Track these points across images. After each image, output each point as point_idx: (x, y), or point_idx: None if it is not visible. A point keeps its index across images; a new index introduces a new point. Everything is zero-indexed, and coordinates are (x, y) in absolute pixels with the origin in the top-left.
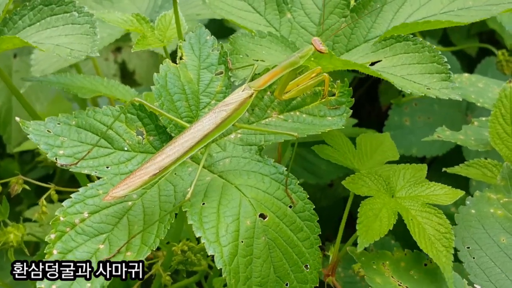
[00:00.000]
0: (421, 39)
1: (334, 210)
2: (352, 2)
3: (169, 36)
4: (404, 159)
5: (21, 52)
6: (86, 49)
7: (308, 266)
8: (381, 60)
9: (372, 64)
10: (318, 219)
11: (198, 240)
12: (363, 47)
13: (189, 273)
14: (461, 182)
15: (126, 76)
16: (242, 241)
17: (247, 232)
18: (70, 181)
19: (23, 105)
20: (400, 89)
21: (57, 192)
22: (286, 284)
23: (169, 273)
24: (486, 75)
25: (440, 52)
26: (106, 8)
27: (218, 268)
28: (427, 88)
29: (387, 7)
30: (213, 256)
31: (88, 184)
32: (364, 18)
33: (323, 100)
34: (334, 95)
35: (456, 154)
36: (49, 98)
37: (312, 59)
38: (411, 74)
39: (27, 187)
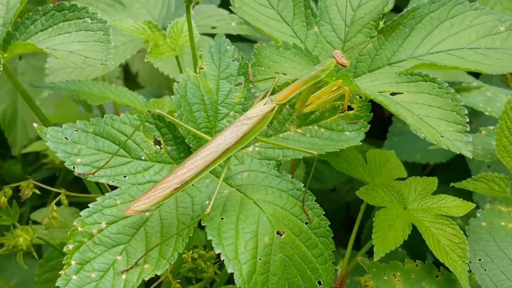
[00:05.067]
0: (447, 84)
1: (337, 215)
2: (381, 24)
3: (181, 45)
4: (407, 165)
5: (27, 54)
6: (101, 57)
7: (321, 283)
8: (402, 93)
9: (393, 94)
10: (332, 235)
11: (205, 247)
12: (386, 70)
13: (196, 280)
14: (464, 190)
15: (129, 78)
16: (260, 259)
17: (265, 249)
18: (73, 183)
19: (32, 108)
20: (414, 131)
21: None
22: None
23: (179, 280)
24: (492, 82)
25: (462, 103)
26: (119, 12)
27: (238, 286)
28: (441, 136)
29: (415, 33)
30: (221, 263)
31: (105, 194)
32: (390, 40)
33: (342, 114)
34: (352, 109)
35: (460, 161)
36: (55, 101)
37: (334, 78)
38: (429, 116)
39: (37, 191)
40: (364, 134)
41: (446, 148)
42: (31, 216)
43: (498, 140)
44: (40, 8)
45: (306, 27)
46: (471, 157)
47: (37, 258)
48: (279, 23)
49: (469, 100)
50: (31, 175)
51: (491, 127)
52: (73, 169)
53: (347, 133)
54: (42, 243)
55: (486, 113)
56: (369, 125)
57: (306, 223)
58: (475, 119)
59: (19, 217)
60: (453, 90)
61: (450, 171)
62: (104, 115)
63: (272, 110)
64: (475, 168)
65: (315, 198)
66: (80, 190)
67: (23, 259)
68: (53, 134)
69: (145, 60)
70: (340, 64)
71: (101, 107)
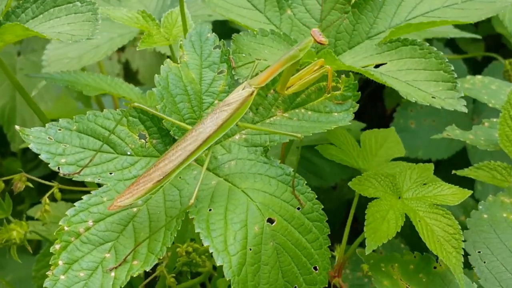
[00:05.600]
0: (428, 44)
1: (338, 213)
2: None
3: (175, 35)
4: (410, 162)
5: (25, 50)
6: (87, 34)
7: (317, 268)
8: (386, 63)
9: (377, 66)
10: (327, 219)
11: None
12: (366, 44)
13: (193, 274)
14: (467, 187)
15: (130, 75)
16: (250, 249)
17: (255, 239)
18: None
19: (29, 103)
20: (404, 97)
21: (60, 190)
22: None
23: (174, 274)
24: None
25: (447, 59)
26: (114, 6)
27: (227, 279)
28: (432, 97)
29: (389, 1)
30: None
31: (91, 192)
32: (366, 13)
33: (328, 95)
34: (339, 90)
35: (462, 157)
36: (53, 97)
37: (316, 58)
38: (416, 80)
39: (30, 184)
40: (353, 114)
41: (440, 107)
42: (28, 212)
43: (501, 129)
44: None
45: (279, 12)
46: (466, 111)
47: (31, 252)
48: (251, 12)
49: (473, 93)
50: (31, 172)
51: (494, 119)
52: (58, 170)
53: (335, 114)
54: (40, 238)
55: (490, 105)
56: (358, 105)
57: (298, 209)
58: (477, 115)
59: (17, 214)
60: (435, 49)
61: (453, 167)
62: (87, 112)
63: (251, 94)
64: (477, 163)
65: (306, 182)
66: (77, 187)
67: (21, 255)
68: (36, 135)
69: (137, 49)
70: (318, 42)
71: (100, 102)
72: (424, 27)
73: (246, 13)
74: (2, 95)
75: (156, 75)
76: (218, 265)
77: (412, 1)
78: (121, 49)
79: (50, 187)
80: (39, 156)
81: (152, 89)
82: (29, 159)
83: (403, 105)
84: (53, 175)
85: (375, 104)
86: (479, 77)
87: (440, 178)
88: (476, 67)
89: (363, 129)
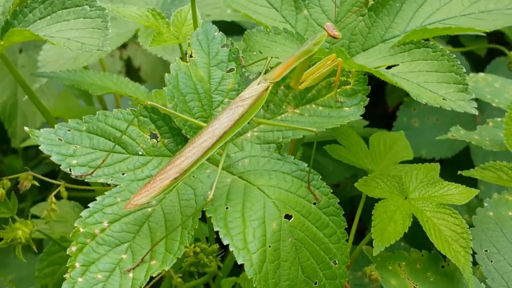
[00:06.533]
0: (441, 46)
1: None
2: (370, 1)
3: (184, 33)
4: (413, 161)
5: (27, 47)
6: (98, 43)
7: (337, 262)
8: (398, 65)
9: (389, 67)
10: (343, 212)
11: (207, 239)
12: (380, 47)
13: (197, 274)
14: (469, 186)
15: (132, 72)
16: (269, 246)
17: (273, 235)
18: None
19: (32, 100)
20: (415, 98)
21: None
22: (315, 283)
23: (180, 275)
24: (497, 73)
25: (459, 62)
26: (116, 3)
27: (249, 277)
28: (443, 99)
29: (406, 6)
30: (223, 256)
31: (105, 192)
32: (382, 17)
33: (339, 90)
34: (349, 84)
35: (465, 156)
36: (55, 94)
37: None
38: (427, 82)
39: (36, 183)
40: (364, 108)
41: (450, 109)
42: (31, 210)
43: (506, 129)
44: None
45: (295, 11)
46: (476, 114)
47: (36, 252)
48: (267, 9)
49: (476, 91)
50: (32, 169)
51: (499, 119)
52: (69, 172)
53: (346, 109)
54: (43, 237)
55: (494, 104)
56: (368, 99)
57: (314, 204)
58: (481, 113)
59: (20, 212)
60: (448, 52)
61: (456, 166)
62: (97, 111)
63: (267, 89)
64: (480, 163)
65: (321, 177)
66: (81, 185)
67: (23, 254)
68: (46, 136)
69: (148, 47)
70: (331, 36)
71: (102, 100)
72: (439, 32)
73: (262, 10)
74: (4, 91)
75: (166, 74)
76: (239, 263)
77: (429, 8)
78: (123, 46)
79: (52, 184)
80: (50, 158)
81: (163, 88)
82: (31, 157)
83: (406, 104)
84: (55, 173)
85: (377, 101)
86: (482, 74)
87: (443, 177)
88: (479, 63)
89: (366, 126)
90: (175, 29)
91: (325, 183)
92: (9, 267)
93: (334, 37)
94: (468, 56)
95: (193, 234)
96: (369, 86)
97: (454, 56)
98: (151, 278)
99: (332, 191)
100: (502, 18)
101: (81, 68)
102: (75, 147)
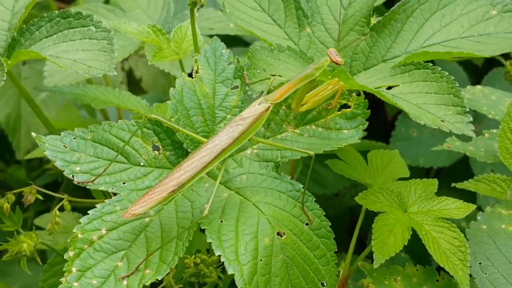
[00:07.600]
0: (440, 68)
1: (340, 220)
2: (372, 21)
3: (185, 49)
4: (411, 170)
5: (30, 59)
6: (104, 67)
7: (325, 284)
8: (398, 85)
9: (389, 88)
10: (334, 236)
11: (208, 251)
12: (381, 66)
13: (199, 285)
14: (468, 194)
15: (133, 83)
16: (261, 260)
17: (265, 250)
18: (76, 188)
19: (35, 112)
20: (414, 119)
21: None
22: None
23: (181, 285)
24: (494, 86)
25: (457, 85)
26: (119, 17)
27: (239, 287)
28: (441, 121)
29: (407, 27)
30: (224, 267)
31: (105, 200)
32: (383, 37)
33: (339, 113)
34: (349, 107)
35: (463, 165)
36: (57, 105)
37: (330, 76)
38: (426, 103)
39: (40, 197)
40: (363, 132)
41: (448, 131)
42: (35, 221)
43: (500, 142)
44: (45, 14)
45: (298, 29)
46: (474, 136)
47: (40, 263)
48: (271, 26)
49: (472, 103)
50: (35, 180)
51: (494, 130)
52: (72, 178)
53: (345, 131)
54: (46, 248)
55: (490, 116)
56: (367, 122)
57: (307, 224)
58: (479, 123)
59: (23, 222)
60: (447, 73)
61: (454, 175)
62: (102, 122)
63: (267, 109)
64: (478, 172)
65: (314, 199)
66: (83, 195)
67: (28, 263)
68: (52, 143)
69: (149, 63)
70: (334, 62)
71: (104, 111)
72: (440, 56)
73: (266, 27)
74: (7, 104)
75: (171, 88)
76: (229, 273)
77: (430, 29)
78: (125, 58)
79: (54, 195)
80: (54, 163)
81: (166, 101)
82: (34, 166)
83: (405, 114)
84: (57, 184)
85: (377, 110)
86: (479, 87)
87: (442, 186)
88: (476, 73)
89: (364, 138)
90: (175, 45)
91: (318, 206)
92: (14, 276)
93: (337, 63)
94: (465, 66)
95: (187, 245)
96: (369, 110)
97: (453, 78)
98: (151, 286)
99: (324, 213)
100: (502, 42)
101: (84, 81)
102: (80, 154)
